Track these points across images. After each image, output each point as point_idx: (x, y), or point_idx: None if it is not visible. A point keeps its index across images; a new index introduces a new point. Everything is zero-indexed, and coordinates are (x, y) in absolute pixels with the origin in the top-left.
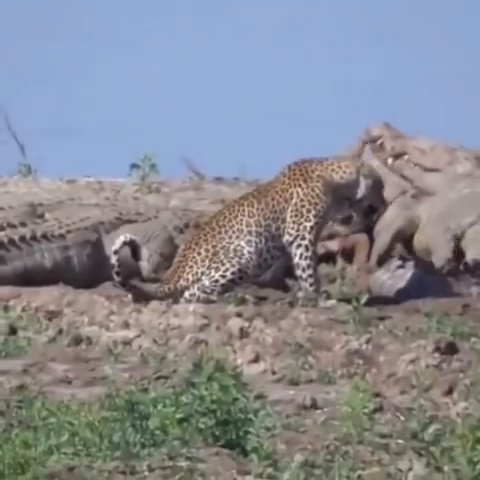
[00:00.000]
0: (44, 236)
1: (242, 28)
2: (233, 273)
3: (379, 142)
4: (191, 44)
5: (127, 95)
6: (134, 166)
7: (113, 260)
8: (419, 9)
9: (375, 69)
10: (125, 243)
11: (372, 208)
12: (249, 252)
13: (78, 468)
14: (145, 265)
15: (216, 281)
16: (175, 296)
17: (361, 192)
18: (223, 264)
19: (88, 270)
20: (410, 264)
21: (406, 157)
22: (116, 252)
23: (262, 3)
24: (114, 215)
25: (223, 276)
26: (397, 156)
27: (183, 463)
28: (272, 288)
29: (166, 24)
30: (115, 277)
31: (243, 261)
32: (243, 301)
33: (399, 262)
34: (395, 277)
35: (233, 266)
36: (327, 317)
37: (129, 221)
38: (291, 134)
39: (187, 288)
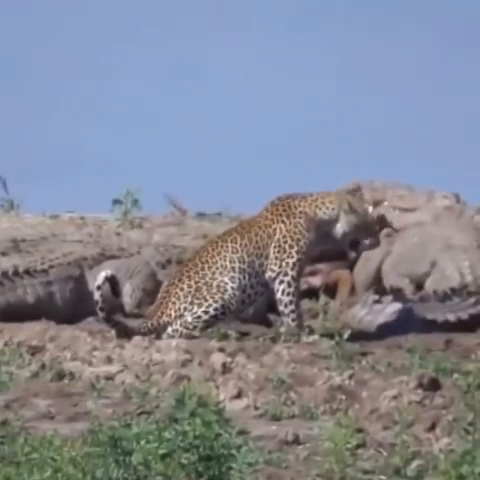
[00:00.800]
0: (26, 271)
1: (222, 67)
2: (216, 309)
3: (358, 194)
4: (174, 81)
5: (110, 131)
6: (116, 202)
7: (96, 296)
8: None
9: (355, 113)
10: (107, 278)
11: (356, 242)
12: (232, 288)
13: None
14: (128, 300)
15: (198, 317)
16: (158, 332)
17: (341, 228)
18: (206, 300)
19: (71, 305)
20: (388, 298)
21: (385, 203)
22: (99, 288)
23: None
24: (97, 251)
25: (206, 312)
26: (376, 204)
27: None
28: (254, 323)
29: (150, 59)
30: (99, 313)
31: (226, 297)
32: (225, 336)
33: (375, 297)
34: (374, 312)
35: (216, 302)
36: (310, 352)
37: (112, 257)
38: (274, 170)
39: (170, 324)
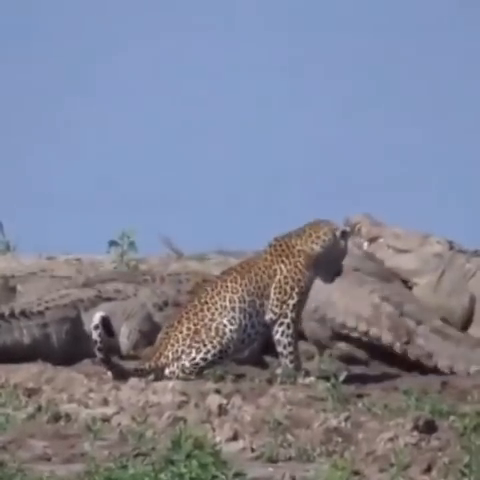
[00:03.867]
0: (23, 313)
1: (212, 104)
2: (214, 355)
3: (357, 227)
4: (169, 122)
5: (105, 173)
6: (113, 243)
7: (94, 336)
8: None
9: (349, 154)
10: (104, 318)
11: (340, 268)
12: (231, 330)
13: None
14: (125, 342)
15: (196, 364)
16: (156, 373)
17: (344, 252)
18: (204, 345)
19: (67, 347)
20: None
21: (381, 240)
22: (97, 327)
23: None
24: (93, 293)
25: (204, 359)
26: (372, 240)
27: None
28: (250, 365)
29: (144, 96)
30: (97, 353)
31: (224, 341)
32: (221, 378)
33: None
34: None
35: (214, 347)
36: (306, 394)
37: (108, 299)
38: (270, 209)
39: (167, 366)
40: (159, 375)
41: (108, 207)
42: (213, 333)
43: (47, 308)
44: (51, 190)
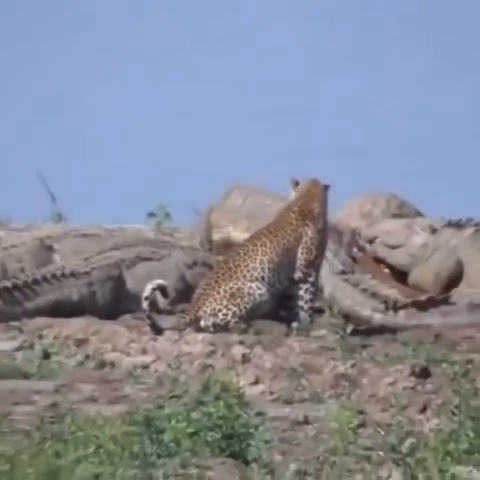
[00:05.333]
0: (72, 273)
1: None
2: (245, 319)
3: (357, 232)
4: (200, 97)
5: (146, 150)
6: (151, 215)
7: (144, 305)
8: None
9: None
10: (154, 289)
11: None
12: (260, 294)
13: (102, 475)
14: (162, 299)
15: (228, 324)
16: (193, 324)
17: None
18: (240, 310)
19: (110, 303)
20: None
21: (378, 240)
22: (147, 298)
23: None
24: (133, 253)
25: (236, 322)
26: (371, 241)
27: (193, 471)
28: (269, 320)
29: (171, 68)
30: (147, 320)
31: (255, 305)
32: (245, 331)
33: None
34: None
35: (247, 313)
36: (318, 345)
37: (146, 259)
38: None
39: (203, 319)
40: (197, 326)
41: (146, 180)
42: (246, 298)
43: (93, 268)
44: (99, 165)
